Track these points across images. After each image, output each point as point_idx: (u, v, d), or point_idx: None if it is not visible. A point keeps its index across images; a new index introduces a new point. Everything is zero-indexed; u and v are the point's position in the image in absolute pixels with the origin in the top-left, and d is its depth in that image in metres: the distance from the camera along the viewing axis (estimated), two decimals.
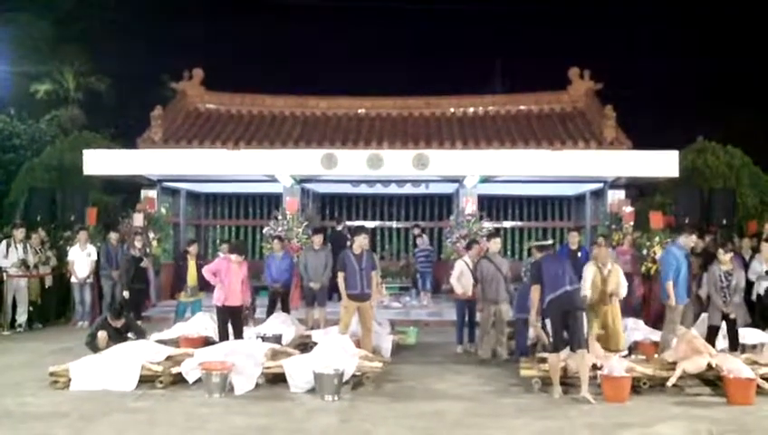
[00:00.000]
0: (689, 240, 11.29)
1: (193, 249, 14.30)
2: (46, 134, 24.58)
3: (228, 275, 11.03)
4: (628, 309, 12.79)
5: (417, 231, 18.65)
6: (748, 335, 11.20)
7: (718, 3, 31.87)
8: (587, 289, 10.01)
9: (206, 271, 11.31)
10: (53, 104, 29.89)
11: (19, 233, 14.78)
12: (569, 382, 9.18)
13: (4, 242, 14.69)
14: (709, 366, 9.25)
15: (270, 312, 13.53)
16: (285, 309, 13.77)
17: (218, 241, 19.68)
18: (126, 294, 14.36)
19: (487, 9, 35.73)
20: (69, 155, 19.68)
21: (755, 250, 13.55)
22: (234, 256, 11.17)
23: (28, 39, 28.18)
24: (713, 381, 9.41)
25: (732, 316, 10.93)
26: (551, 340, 9.11)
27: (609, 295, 10.18)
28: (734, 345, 10.88)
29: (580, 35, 33.47)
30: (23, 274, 14.54)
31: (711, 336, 10.96)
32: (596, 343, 10.06)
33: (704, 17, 32.36)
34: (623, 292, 10.43)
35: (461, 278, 12.22)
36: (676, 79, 31.27)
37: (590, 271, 10.28)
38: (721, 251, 11.36)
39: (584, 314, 9.16)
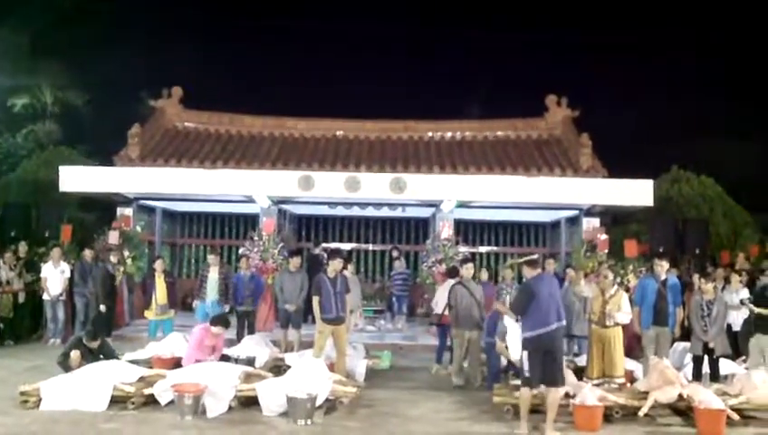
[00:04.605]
0: (657, 266, 11.46)
1: (159, 265, 14.21)
2: (22, 149, 24.46)
3: (203, 346, 10.90)
4: None
5: (395, 253, 18.66)
6: (720, 366, 11.27)
7: (692, 34, 32.46)
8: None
9: (193, 352, 10.78)
10: (30, 118, 29.72)
11: None
12: (544, 410, 9.12)
13: None
14: (680, 396, 9.31)
15: (240, 333, 13.53)
16: (251, 330, 13.78)
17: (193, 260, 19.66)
18: (103, 308, 14.25)
19: (467, 36, 36.08)
20: (45, 171, 19.60)
21: (727, 280, 13.67)
22: (215, 329, 10.93)
23: (5, 52, 28.01)
24: (684, 411, 9.45)
25: (711, 345, 11.01)
26: (525, 372, 8.79)
27: (607, 316, 10.38)
28: (715, 376, 10.96)
29: (557, 63, 33.89)
30: None
31: (696, 367, 11.10)
32: (569, 370, 10.13)
33: (681, 46, 32.92)
34: (623, 317, 10.53)
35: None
36: (649, 107, 31.70)
37: (593, 293, 10.95)
38: (703, 280, 11.48)
39: (563, 352, 9.09)
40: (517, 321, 9.18)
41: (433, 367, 12.64)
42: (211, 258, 14.35)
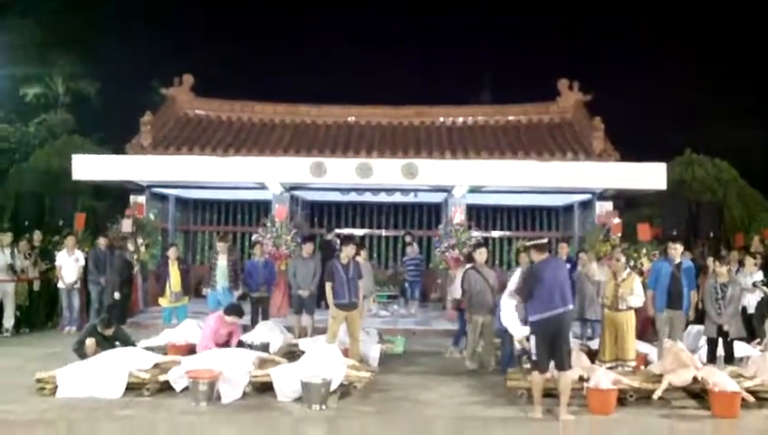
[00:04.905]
0: (671, 250, 11.43)
1: (172, 253, 14.27)
2: (35, 138, 24.54)
3: (218, 335, 10.92)
4: None
5: (408, 239, 18.62)
6: (735, 349, 11.25)
7: (708, 16, 32.28)
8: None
9: (207, 341, 10.77)
10: (43, 108, 29.77)
11: (6, 237, 14.70)
12: (557, 394, 9.08)
13: None
14: (695, 379, 9.29)
15: (254, 319, 13.57)
16: (265, 316, 13.83)
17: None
18: (117, 295, 14.43)
19: (478, 22, 35.93)
20: (57, 159, 19.68)
21: (741, 263, 13.62)
22: (229, 318, 10.96)
23: (16, 41, 28.06)
24: (698, 393, 9.43)
25: (725, 328, 10.98)
26: (533, 356, 8.81)
27: (619, 299, 10.33)
28: (729, 358, 10.94)
29: (568, 47, 33.72)
30: (10, 278, 14.47)
31: (710, 349, 11.08)
32: (582, 354, 10.14)
33: (695, 30, 32.75)
34: (635, 301, 10.46)
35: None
36: (664, 90, 31.50)
37: (606, 277, 10.96)
38: (717, 263, 11.46)
39: (570, 333, 9.01)
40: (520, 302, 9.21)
41: (448, 350, 12.69)
42: (220, 245, 14.36)
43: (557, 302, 8.56)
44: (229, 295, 13.70)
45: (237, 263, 14.33)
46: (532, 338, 8.74)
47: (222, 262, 14.01)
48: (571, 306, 8.76)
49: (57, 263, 15.17)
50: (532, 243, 9.26)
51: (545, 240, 9.38)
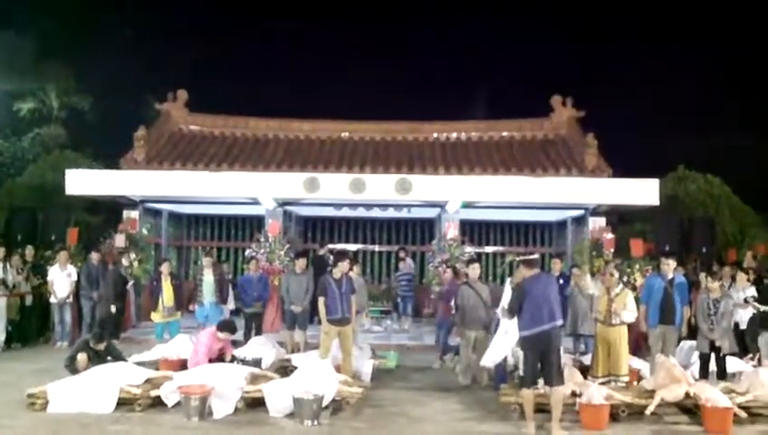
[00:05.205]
0: (664, 265, 11.45)
1: (165, 268, 14.29)
2: (29, 152, 24.52)
3: (212, 351, 10.89)
4: None
5: (402, 254, 18.58)
6: (727, 364, 11.24)
7: (701, 34, 32.50)
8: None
9: (200, 358, 10.67)
10: (36, 122, 29.80)
11: None
12: (550, 409, 9.10)
13: None
14: (687, 395, 9.29)
15: (247, 335, 13.55)
16: (259, 331, 13.82)
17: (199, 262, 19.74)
18: (113, 308, 14.39)
19: (471, 38, 36.07)
20: (51, 174, 19.65)
21: (733, 279, 13.64)
22: (222, 335, 10.95)
23: (10, 57, 28.08)
24: (691, 409, 9.44)
25: (717, 343, 10.96)
26: (521, 372, 8.82)
27: (612, 314, 10.34)
28: (722, 374, 10.92)
29: (561, 62, 33.90)
30: (2, 293, 14.40)
31: (703, 365, 11.06)
32: (575, 369, 10.13)
33: (693, 44, 33.00)
34: (628, 316, 10.48)
35: None
36: (658, 103, 31.70)
37: (599, 292, 10.95)
38: (710, 279, 11.46)
39: (560, 350, 8.99)
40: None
41: (441, 362, 12.90)
42: (206, 261, 14.45)
43: (545, 318, 8.54)
44: (217, 310, 13.72)
45: (224, 277, 14.35)
46: (521, 354, 8.77)
47: (208, 277, 14.09)
48: (559, 322, 8.74)
49: (49, 278, 15.14)
50: (521, 258, 9.27)
51: (535, 256, 9.38)
